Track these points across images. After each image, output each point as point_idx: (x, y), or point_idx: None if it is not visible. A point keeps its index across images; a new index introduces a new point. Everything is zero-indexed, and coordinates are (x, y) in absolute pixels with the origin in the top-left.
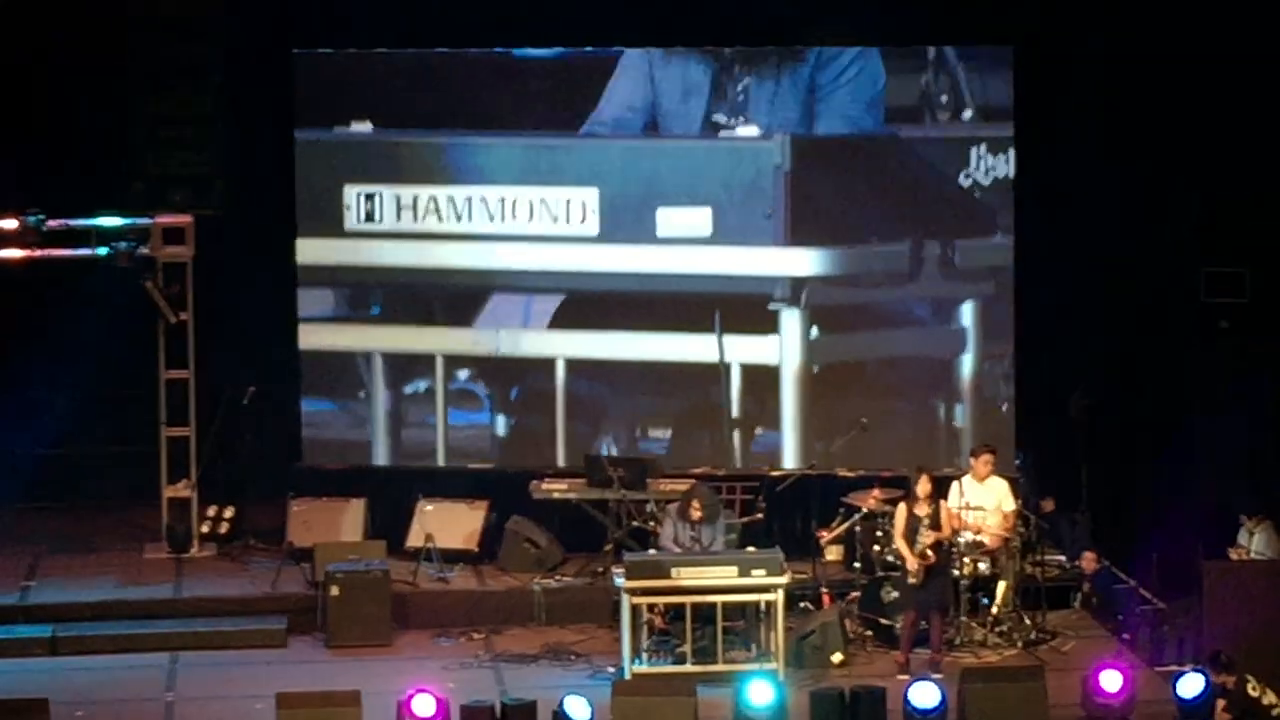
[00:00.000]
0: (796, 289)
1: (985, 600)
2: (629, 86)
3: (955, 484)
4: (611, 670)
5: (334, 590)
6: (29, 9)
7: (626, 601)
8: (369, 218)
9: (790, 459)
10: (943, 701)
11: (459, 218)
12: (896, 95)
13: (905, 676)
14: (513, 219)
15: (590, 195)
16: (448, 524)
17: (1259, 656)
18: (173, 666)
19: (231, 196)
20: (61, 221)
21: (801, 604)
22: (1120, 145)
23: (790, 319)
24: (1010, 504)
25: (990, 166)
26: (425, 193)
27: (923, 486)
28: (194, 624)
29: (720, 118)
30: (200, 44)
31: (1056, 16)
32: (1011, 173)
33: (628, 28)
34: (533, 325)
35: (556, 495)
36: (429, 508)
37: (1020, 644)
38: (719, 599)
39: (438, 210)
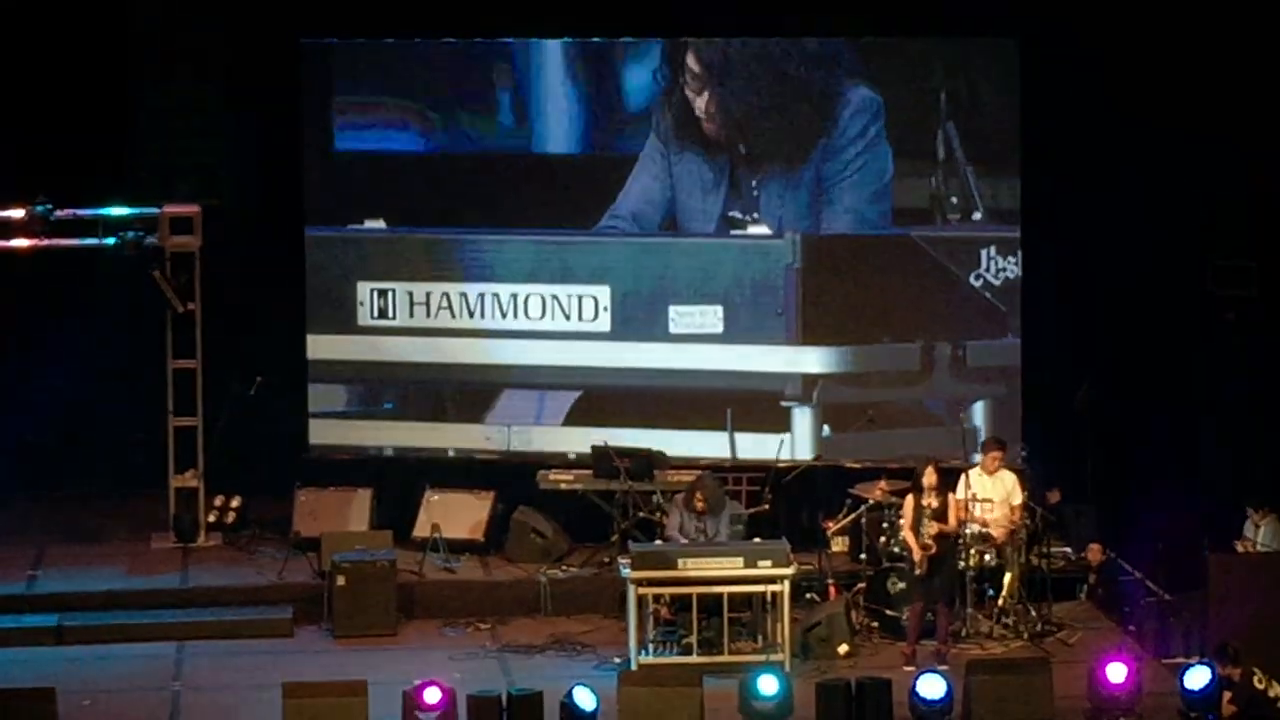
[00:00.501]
0: (808, 387)
1: (991, 592)
2: (647, 182)
3: (963, 476)
4: (618, 661)
5: (340, 580)
6: (37, 1)
7: (633, 592)
8: (381, 314)
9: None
10: (949, 693)
11: (471, 314)
12: (907, 196)
13: (911, 668)
14: (525, 316)
15: (602, 292)
16: (454, 514)
17: (1265, 649)
18: (179, 656)
19: (238, 186)
20: (69, 211)
21: (808, 595)
22: (1127, 135)
23: (802, 417)
24: (1018, 497)
25: (1001, 267)
26: (438, 289)
27: (929, 478)
28: (200, 614)
29: (736, 213)
30: (206, 34)
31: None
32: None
33: (595, 10)
34: (546, 421)
35: (563, 486)
36: (435, 498)
37: (1026, 636)
38: (725, 590)
39: (450, 306)
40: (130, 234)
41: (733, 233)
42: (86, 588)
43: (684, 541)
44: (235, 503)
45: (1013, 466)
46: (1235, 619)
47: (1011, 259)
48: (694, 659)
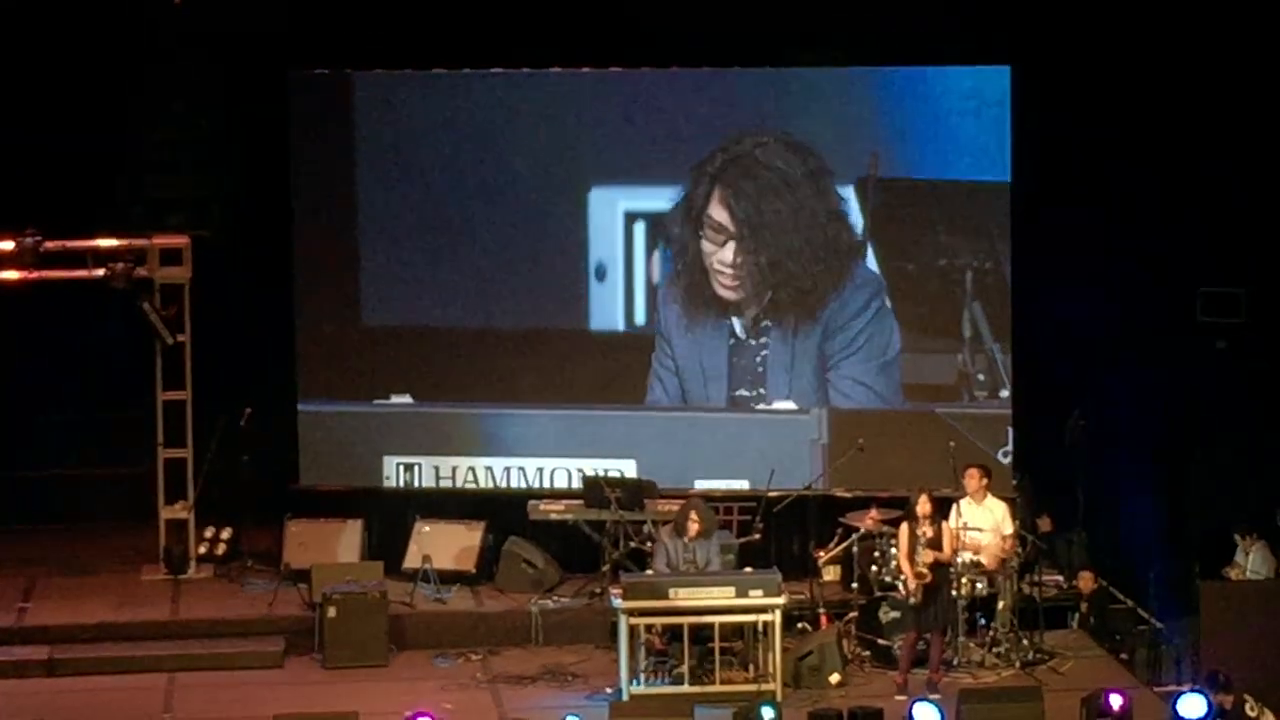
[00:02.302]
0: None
1: (983, 620)
2: (656, 386)
3: (955, 506)
4: (609, 691)
5: (331, 611)
6: (28, 30)
7: (624, 622)
8: (408, 487)
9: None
10: None
11: (497, 486)
12: (934, 374)
13: (903, 697)
14: (551, 489)
15: (628, 467)
16: (445, 545)
17: (1257, 676)
18: (170, 688)
19: (229, 219)
20: (59, 242)
21: (799, 624)
22: (1116, 165)
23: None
24: (1009, 527)
25: None
26: (464, 463)
27: (923, 506)
28: (191, 645)
29: (743, 393)
30: (199, 67)
31: (1055, 28)
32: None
33: (613, 40)
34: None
35: (554, 516)
36: (426, 528)
37: (1018, 664)
38: (716, 619)
39: (476, 480)
40: (120, 265)
41: (757, 407)
42: (77, 620)
43: (668, 573)
44: (225, 534)
45: (1003, 496)
46: (1227, 646)
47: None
48: (685, 689)
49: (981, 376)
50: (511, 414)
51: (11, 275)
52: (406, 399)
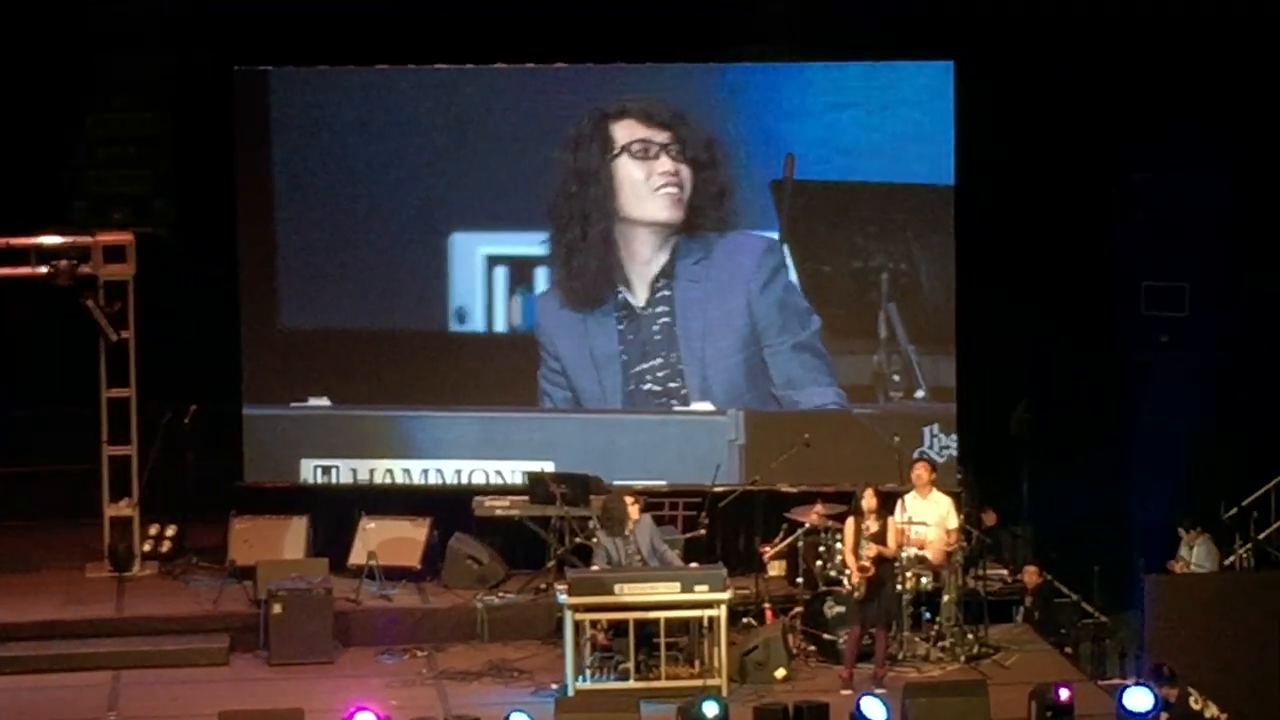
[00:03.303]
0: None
1: (928, 615)
2: (545, 400)
3: (899, 501)
4: (555, 687)
5: (276, 608)
6: None
7: (569, 618)
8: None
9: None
10: (888, 716)
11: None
12: (851, 374)
13: (849, 691)
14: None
15: (546, 468)
16: (390, 541)
17: (1201, 669)
18: (115, 685)
19: (173, 215)
20: (1, 239)
21: (744, 619)
22: (1061, 162)
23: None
24: (954, 521)
25: (945, 445)
26: (382, 466)
27: (869, 501)
28: (136, 643)
29: (640, 367)
30: (144, 63)
31: (1002, 27)
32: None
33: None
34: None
35: (499, 512)
36: (371, 525)
37: (963, 658)
38: (662, 615)
39: (393, 483)
40: (63, 262)
41: (676, 408)
42: (21, 618)
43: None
44: (170, 531)
45: (948, 490)
46: (1171, 640)
47: (954, 436)
48: (631, 684)
49: (897, 377)
50: (428, 417)
51: None
52: (324, 401)
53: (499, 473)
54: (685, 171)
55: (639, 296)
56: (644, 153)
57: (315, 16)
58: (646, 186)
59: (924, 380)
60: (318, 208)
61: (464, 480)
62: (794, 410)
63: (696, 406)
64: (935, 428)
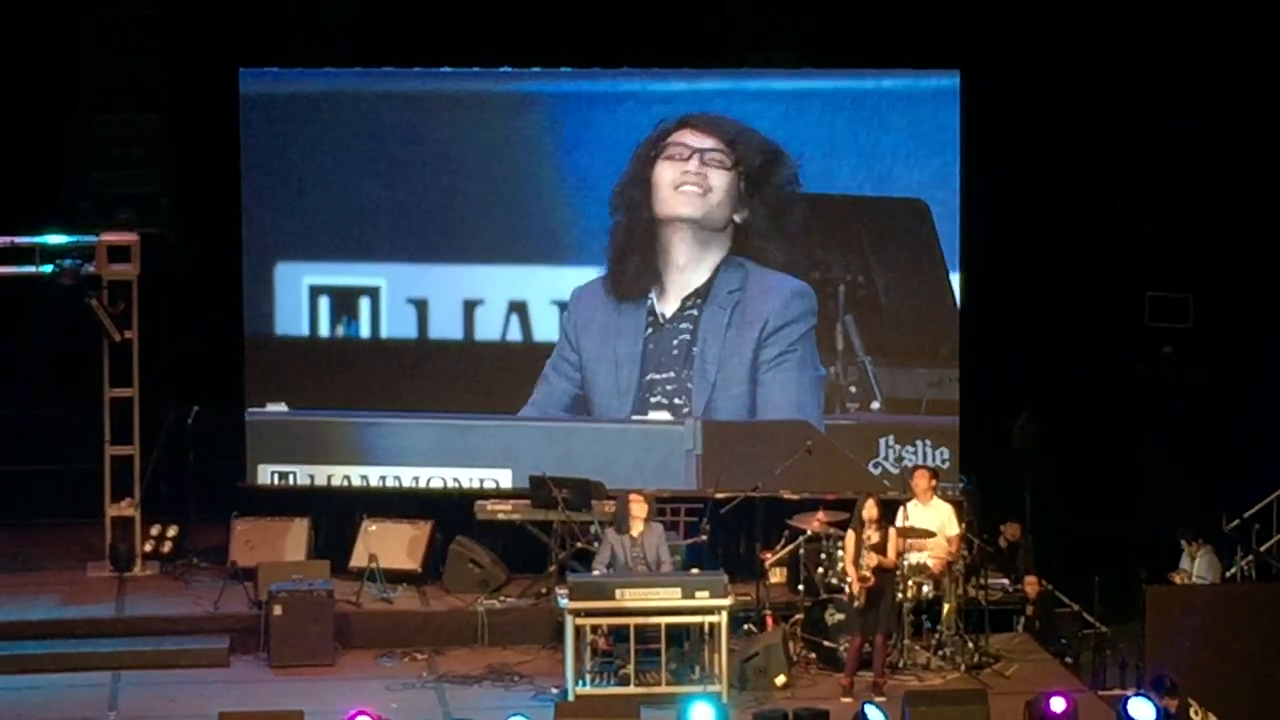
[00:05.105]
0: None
1: (929, 623)
2: (542, 385)
3: (901, 509)
4: (555, 691)
5: (277, 610)
6: None
7: (570, 622)
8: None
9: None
10: None
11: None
12: None
13: (849, 699)
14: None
15: (503, 476)
16: (391, 544)
17: (1201, 681)
18: (115, 686)
19: (177, 215)
20: (6, 239)
21: (745, 626)
22: (1067, 171)
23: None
24: (954, 528)
25: (899, 456)
26: (340, 472)
27: (870, 511)
28: (137, 643)
29: (654, 376)
30: (147, 63)
31: (1003, 35)
32: (923, 460)
33: (551, 46)
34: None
35: (500, 516)
36: (373, 528)
37: (963, 667)
38: (663, 620)
39: (351, 489)
40: (68, 262)
41: (633, 418)
42: (22, 617)
43: (606, 572)
44: (172, 532)
45: (950, 498)
46: (1172, 651)
47: (910, 448)
48: (631, 690)
49: (853, 389)
50: (387, 423)
51: None
52: (281, 407)
53: (456, 480)
54: (717, 175)
55: (668, 307)
56: (680, 155)
57: (324, 18)
58: (671, 185)
59: (880, 392)
60: (323, 209)
61: (421, 484)
62: (750, 421)
63: (654, 415)
64: (891, 439)
